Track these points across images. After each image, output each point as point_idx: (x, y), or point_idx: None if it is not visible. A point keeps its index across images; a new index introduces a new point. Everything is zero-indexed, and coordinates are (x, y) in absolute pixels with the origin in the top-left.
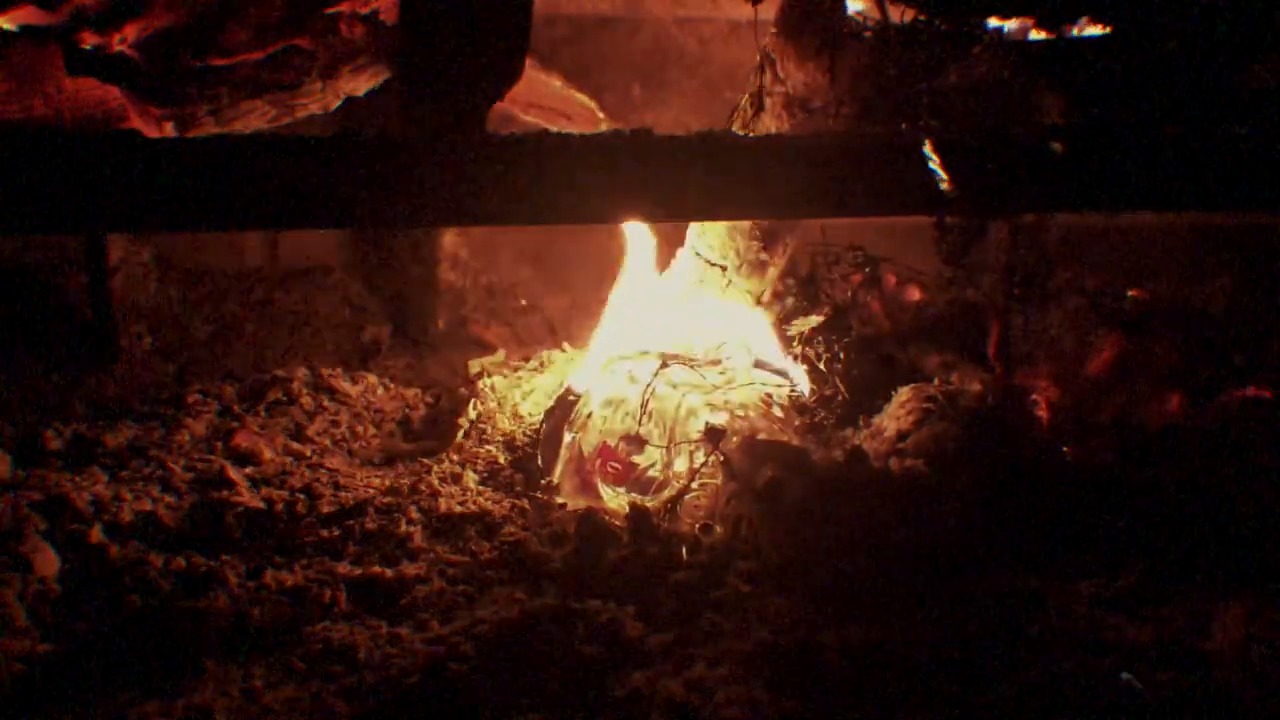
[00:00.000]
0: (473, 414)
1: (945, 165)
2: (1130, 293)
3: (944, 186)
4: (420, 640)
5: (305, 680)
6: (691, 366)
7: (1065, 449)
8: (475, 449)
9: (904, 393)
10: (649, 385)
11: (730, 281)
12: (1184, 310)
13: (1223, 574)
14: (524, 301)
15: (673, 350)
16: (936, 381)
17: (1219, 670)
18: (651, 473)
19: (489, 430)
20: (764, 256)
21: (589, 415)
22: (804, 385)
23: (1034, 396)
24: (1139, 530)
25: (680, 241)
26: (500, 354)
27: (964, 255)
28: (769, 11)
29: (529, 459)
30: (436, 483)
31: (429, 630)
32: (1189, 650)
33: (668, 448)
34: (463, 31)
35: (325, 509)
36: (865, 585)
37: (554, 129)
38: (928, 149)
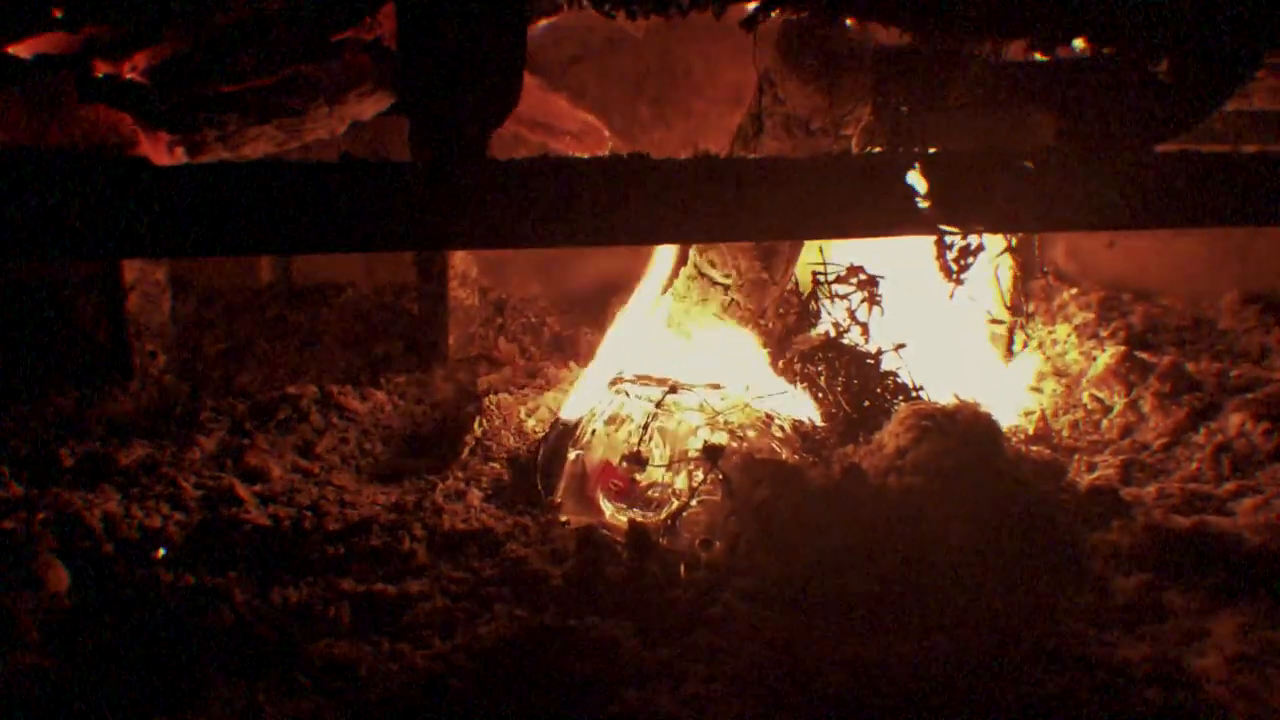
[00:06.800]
0: (478, 431)
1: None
2: (1136, 306)
3: (922, 204)
4: (421, 656)
5: (309, 696)
6: (693, 390)
7: (1066, 463)
8: (480, 466)
9: (903, 410)
10: (653, 411)
11: (732, 300)
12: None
13: (1219, 588)
14: (532, 318)
15: (675, 374)
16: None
17: (1209, 687)
18: (652, 491)
19: (494, 447)
20: (764, 275)
21: (592, 433)
22: (805, 408)
23: (1038, 411)
24: (1138, 545)
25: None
26: (508, 370)
27: (964, 271)
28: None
29: (533, 476)
30: (441, 500)
31: (430, 646)
32: (1180, 667)
33: (668, 466)
34: (456, 60)
35: (331, 526)
36: (861, 602)
37: (561, 149)
38: (915, 171)
